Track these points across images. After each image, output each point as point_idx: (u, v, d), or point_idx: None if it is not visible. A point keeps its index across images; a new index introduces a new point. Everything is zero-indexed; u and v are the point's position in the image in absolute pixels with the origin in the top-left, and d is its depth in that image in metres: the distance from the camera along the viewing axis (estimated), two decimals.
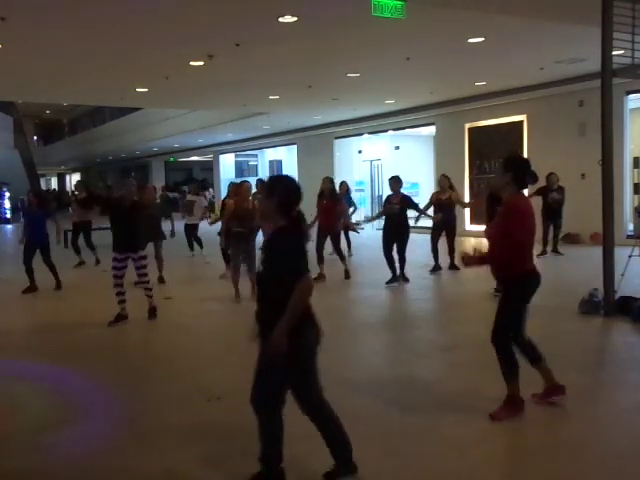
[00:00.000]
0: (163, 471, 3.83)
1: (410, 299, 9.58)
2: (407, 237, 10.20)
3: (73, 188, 17.27)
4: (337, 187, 13.70)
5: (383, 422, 4.47)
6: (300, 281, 3.30)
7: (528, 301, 4.45)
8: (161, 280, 10.65)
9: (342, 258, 10.89)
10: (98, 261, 13.20)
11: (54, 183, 60.37)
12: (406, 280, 10.21)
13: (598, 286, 7.63)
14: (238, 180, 11.66)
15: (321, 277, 10.41)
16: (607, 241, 7.67)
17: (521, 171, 4.47)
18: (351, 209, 14.53)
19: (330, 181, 11.11)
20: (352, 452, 3.53)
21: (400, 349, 6.77)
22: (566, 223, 13.57)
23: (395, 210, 10.08)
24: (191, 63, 11.38)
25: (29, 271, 10.23)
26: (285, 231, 3.41)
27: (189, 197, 15.25)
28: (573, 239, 14.87)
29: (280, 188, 3.48)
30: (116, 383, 5.60)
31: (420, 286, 10.19)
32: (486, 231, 4.73)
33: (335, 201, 10.94)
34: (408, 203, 10.27)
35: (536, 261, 4.68)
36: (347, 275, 10.77)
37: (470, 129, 18.15)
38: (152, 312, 8.03)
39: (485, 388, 4.95)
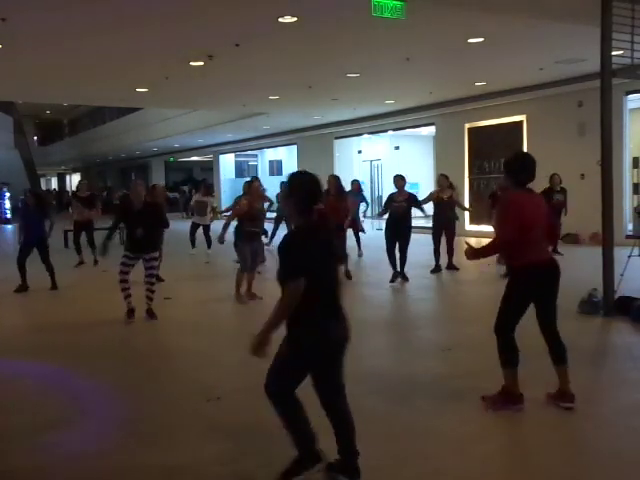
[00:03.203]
0: (163, 471, 3.83)
1: (411, 299, 9.58)
2: (410, 236, 10.21)
3: (75, 187, 17.46)
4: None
5: (383, 421, 4.47)
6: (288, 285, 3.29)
7: (532, 295, 4.47)
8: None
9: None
10: (96, 261, 13.19)
11: (54, 183, 60.36)
12: (406, 279, 10.19)
13: (598, 286, 7.63)
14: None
15: None
16: (607, 241, 7.68)
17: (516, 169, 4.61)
18: (362, 207, 14.53)
19: (336, 178, 10.60)
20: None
21: (401, 348, 6.78)
22: (566, 223, 13.58)
23: (403, 208, 10.07)
24: (191, 63, 11.39)
25: (22, 269, 10.22)
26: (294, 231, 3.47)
27: (199, 198, 15.27)
28: (573, 239, 14.88)
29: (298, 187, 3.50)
30: (116, 383, 5.60)
31: (421, 286, 10.19)
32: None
33: (341, 198, 10.45)
34: (414, 201, 10.30)
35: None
36: (348, 276, 10.44)
37: (470, 129, 18.15)
38: (150, 313, 7.95)
39: (485, 388, 4.95)
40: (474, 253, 4.58)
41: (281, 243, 3.41)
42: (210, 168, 35.86)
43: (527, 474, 3.78)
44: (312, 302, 3.30)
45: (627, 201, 14.50)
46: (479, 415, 4.48)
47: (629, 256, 8.02)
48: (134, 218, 7.66)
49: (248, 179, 12.13)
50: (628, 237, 12.84)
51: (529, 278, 4.45)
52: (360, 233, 13.63)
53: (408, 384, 5.31)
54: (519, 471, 3.82)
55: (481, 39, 10.14)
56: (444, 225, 11.22)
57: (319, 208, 3.59)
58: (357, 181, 14.97)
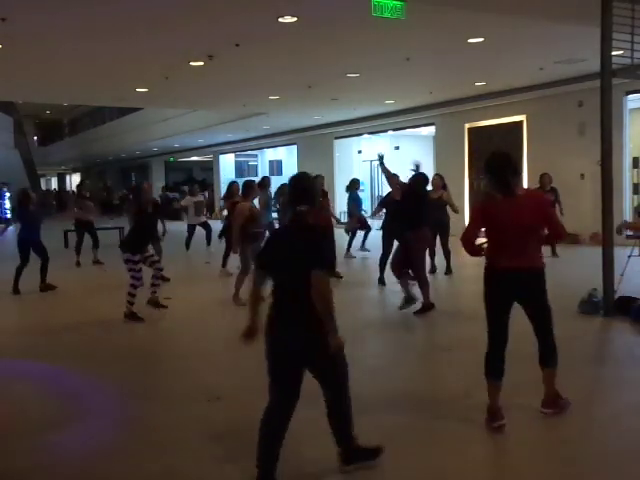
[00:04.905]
0: (163, 471, 3.83)
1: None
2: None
3: (76, 188, 17.82)
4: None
5: (382, 422, 4.47)
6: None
7: (496, 301, 4.41)
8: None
9: None
10: (96, 262, 13.30)
11: (54, 183, 60.34)
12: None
13: (598, 286, 7.64)
14: (239, 180, 11.65)
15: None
16: (607, 241, 7.68)
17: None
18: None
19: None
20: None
21: (400, 349, 6.77)
22: (566, 223, 13.55)
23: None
24: (191, 63, 11.38)
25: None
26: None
27: (196, 199, 15.82)
28: (573, 239, 14.86)
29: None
30: (116, 383, 5.61)
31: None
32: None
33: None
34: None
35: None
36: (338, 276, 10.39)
37: (470, 129, 18.14)
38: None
39: (484, 388, 4.95)
40: None
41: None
42: (210, 168, 35.84)
43: (528, 474, 3.78)
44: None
45: (627, 201, 14.48)
46: (479, 416, 4.47)
47: (629, 256, 8.03)
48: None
49: (250, 179, 11.95)
50: (628, 237, 12.82)
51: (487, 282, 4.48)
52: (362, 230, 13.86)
53: (407, 384, 5.31)
54: (520, 471, 3.82)
55: (481, 39, 10.14)
56: (434, 227, 10.10)
57: (306, 209, 3.50)
58: (355, 180, 14.70)
